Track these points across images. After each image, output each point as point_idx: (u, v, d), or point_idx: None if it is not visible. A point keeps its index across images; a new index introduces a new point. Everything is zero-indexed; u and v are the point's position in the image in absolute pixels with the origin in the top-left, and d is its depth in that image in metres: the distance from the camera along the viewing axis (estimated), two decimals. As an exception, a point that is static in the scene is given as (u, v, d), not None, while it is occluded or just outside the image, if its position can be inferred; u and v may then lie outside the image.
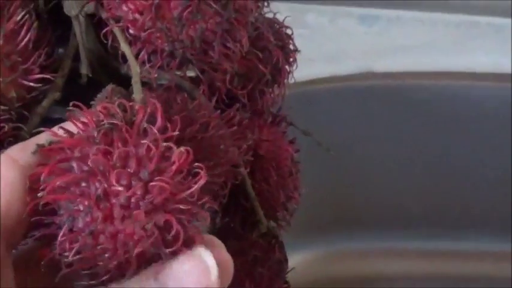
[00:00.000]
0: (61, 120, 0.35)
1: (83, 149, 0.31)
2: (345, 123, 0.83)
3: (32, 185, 0.31)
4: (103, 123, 0.31)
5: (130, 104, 0.32)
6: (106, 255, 0.30)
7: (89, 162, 0.30)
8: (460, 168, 0.88)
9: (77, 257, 0.30)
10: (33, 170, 0.31)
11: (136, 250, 0.30)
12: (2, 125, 0.36)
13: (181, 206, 0.30)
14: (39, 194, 0.31)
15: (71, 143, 0.31)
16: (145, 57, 0.40)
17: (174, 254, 0.31)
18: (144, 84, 0.40)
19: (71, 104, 0.34)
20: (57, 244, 0.31)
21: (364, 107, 0.82)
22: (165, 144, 0.31)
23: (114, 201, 0.30)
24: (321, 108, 0.80)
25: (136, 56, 0.40)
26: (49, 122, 0.39)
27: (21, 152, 0.32)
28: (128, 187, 0.30)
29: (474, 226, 0.90)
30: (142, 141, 0.31)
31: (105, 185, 0.30)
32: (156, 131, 0.31)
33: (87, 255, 0.30)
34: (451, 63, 0.84)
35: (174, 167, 0.31)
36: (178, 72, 0.41)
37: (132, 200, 0.30)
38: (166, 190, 0.30)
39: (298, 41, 0.47)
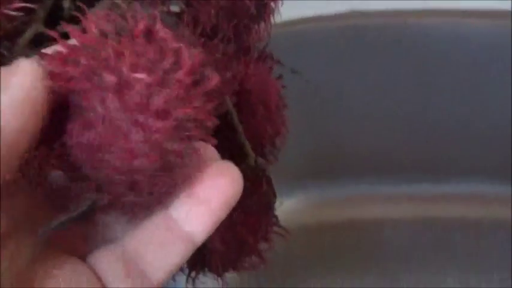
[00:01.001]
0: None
1: (90, 50, 0.30)
2: (331, 65, 0.83)
3: None
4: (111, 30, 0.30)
5: (131, 13, 0.31)
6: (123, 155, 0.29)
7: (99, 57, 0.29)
8: (448, 112, 0.88)
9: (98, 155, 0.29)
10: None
11: (165, 146, 0.29)
12: (-17, 53, 0.36)
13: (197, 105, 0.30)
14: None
15: (75, 48, 0.30)
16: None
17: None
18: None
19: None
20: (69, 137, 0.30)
21: (351, 46, 0.82)
22: (175, 45, 0.30)
23: (128, 90, 0.29)
24: (307, 48, 0.80)
25: (119, -11, 0.40)
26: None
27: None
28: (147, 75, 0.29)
29: (461, 170, 0.91)
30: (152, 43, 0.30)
31: (122, 74, 0.29)
32: (164, 34, 0.31)
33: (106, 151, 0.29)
34: (439, 1, 0.84)
35: (187, 66, 0.30)
36: (162, 7, 0.41)
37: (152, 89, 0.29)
38: (185, 83, 0.29)
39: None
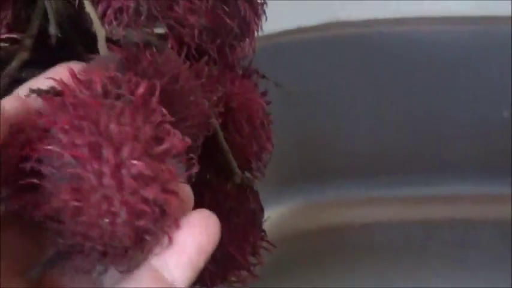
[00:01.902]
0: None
1: (92, 110, 0.31)
2: (313, 75, 0.83)
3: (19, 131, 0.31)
4: (113, 91, 0.32)
5: (131, 79, 0.33)
6: (106, 221, 0.31)
7: (102, 127, 0.31)
8: (431, 114, 0.89)
9: (80, 219, 0.31)
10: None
11: (140, 223, 0.31)
12: (-28, 84, 0.36)
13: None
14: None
15: (77, 100, 0.31)
16: (112, 15, 0.40)
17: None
18: (114, 42, 0.41)
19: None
20: (52, 199, 0.31)
21: (332, 57, 0.83)
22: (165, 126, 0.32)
23: (125, 172, 0.30)
24: (289, 60, 0.81)
25: (104, 14, 0.40)
26: (19, 83, 0.39)
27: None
28: (140, 161, 0.31)
29: (451, 171, 0.92)
30: (150, 120, 0.32)
31: (120, 156, 0.30)
32: (162, 112, 0.32)
33: (90, 219, 0.31)
34: (417, 8, 0.85)
35: (174, 150, 0.32)
36: (146, 30, 0.42)
37: (142, 174, 0.31)
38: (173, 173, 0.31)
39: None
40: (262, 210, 0.47)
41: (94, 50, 0.42)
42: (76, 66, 0.34)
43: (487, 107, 0.87)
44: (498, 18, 0.83)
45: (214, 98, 0.40)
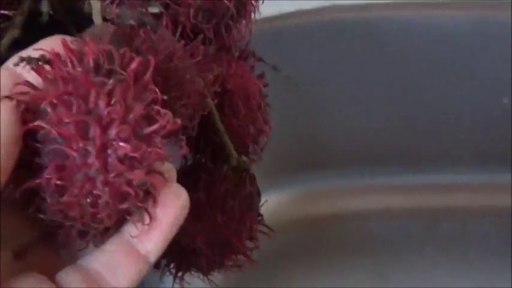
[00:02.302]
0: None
1: (81, 86, 0.30)
2: (311, 59, 0.82)
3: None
4: (105, 66, 0.31)
5: (125, 53, 0.32)
6: (88, 201, 0.30)
7: (91, 105, 0.30)
8: (430, 103, 0.88)
9: (62, 198, 0.30)
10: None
11: (123, 206, 0.31)
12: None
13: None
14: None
15: (67, 75, 0.31)
16: (107, -7, 0.39)
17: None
18: (107, 21, 0.40)
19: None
20: (43, 178, 0.30)
21: (331, 42, 0.82)
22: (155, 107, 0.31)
23: (111, 153, 0.30)
24: (287, 44, 0.80)
25: (98, -7, 0.39)
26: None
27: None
28: (127, 143, 0.30)
29: (450, 159, 0.91)
30: (141, 98, 0.31)
31: (107, 136, 0.30)
32: (155, 91, 0.32)
33: (71, 198, 0.30)
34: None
35: (163, 130, 0.31)
36: (140, 9, 0.41)
37: (129, 156, 0.30)
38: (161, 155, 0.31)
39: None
40: (259, 194, 0.46)
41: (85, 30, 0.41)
42: (69, 38, 0.33)
43: (487, 93, 0.87)
44: (498, 4, 0.83)
45: (210, 77, 0.40)
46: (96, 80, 0.30)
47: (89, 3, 0.40)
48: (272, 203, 0.47)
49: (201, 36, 0.41)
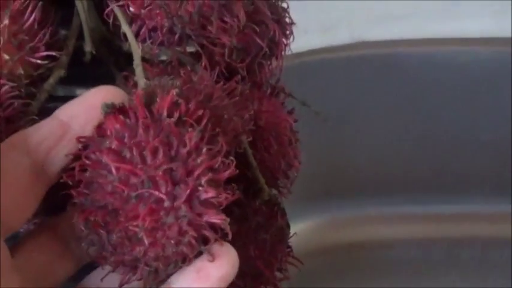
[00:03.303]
0: (66, 97, 0.36)
1: (166, 134, 0.32)
2: (339, 93, 0.84)
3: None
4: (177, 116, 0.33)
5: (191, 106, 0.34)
6: (172, 242, 0.32)
7: (174, 152, 0.32)
8: (452, 133, 0.90)
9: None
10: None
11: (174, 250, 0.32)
12: (11, 101, 0.37)
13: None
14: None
15: (149, 122, 0.32)
16: (146, 33, 0.41)
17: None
18: (146, 60, 0.42)
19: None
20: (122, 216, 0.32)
21: (358, 76, 0.84)
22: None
23: (196, 197, 0.32)
24: (316, 78, 0.82)
25: (138, 33, 0.41)
26: (54, 99, 0.40)
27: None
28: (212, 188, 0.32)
29: (468, 189, 0.92)
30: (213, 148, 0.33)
31: (194, 182, 0.32)
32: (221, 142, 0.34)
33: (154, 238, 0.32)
34: (440, 29, 0.86)
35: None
36: (178, 48, 0.43)
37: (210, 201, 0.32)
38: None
39: (293, 13, 0.48)
40: (288, 226, 0.47)
41: (126, 68, 0.43)
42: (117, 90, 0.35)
43: (506, 124, 0.88)
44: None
45: (246, 115, 0.41)
46: (179, 129, 0.32)
47: (129, 44, 0.42)
48: (298, 230, 0.48)
49: (238, 76, 0.43)
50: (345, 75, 0.83)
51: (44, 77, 0.40)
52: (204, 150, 0.32)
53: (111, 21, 0.41)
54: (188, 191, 0.31)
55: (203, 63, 0.42)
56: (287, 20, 0.48)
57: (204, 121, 0.33)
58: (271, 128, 0.46)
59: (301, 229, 0.85)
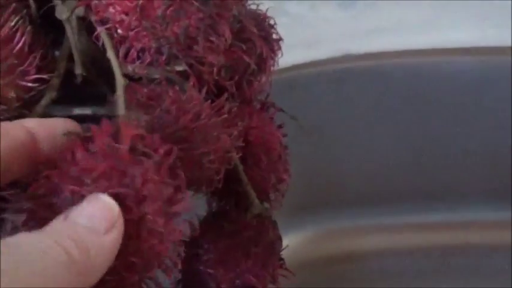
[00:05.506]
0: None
1: (121, 163, 0.33)
2: (326, 106, 0.85)
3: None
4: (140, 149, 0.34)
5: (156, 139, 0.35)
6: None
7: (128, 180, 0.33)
8: (440, 143, 0.90)
9: None
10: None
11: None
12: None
13: None
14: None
15: (108, 151, 0.33)
16: (135, 54, 0.42)
17: None
18: (137, 79, 0.43)
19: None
20: None
21: (344, 88, 0.84)
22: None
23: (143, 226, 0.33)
24: (303, 92, 0.83)
25: (126, 54, 0.42)
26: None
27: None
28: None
29: (461, 198, 0.92)
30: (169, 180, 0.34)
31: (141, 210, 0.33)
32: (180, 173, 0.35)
33: None
34: (424, 40, 0.87)
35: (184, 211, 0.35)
36: (167, 68, 0.44)
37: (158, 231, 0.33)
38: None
39: (280, 29, 0.49)
40: (280, 239, 0.48)
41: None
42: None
43: (493, 134, 0.89)
44: (499, 49, 0.85)
45: (235, 133, 0.42)
46: (135, 157, 0.33)
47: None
48: (289, 242, 0.49)
49: (226, 94, 0.43)
50: (330, 90, 0.84)
51: (36, 99, 0.40)
52: (154, 179, 0.33)
53: (100, 43, 0.42)
54: (133, 218, 0.32)
55: (192, 82, 0.43)
56: (274, 36, 0.49)
57: (161, 152, 0.34)
58: (261, 143, 0.47)
59: (293, 241, 0.86)
